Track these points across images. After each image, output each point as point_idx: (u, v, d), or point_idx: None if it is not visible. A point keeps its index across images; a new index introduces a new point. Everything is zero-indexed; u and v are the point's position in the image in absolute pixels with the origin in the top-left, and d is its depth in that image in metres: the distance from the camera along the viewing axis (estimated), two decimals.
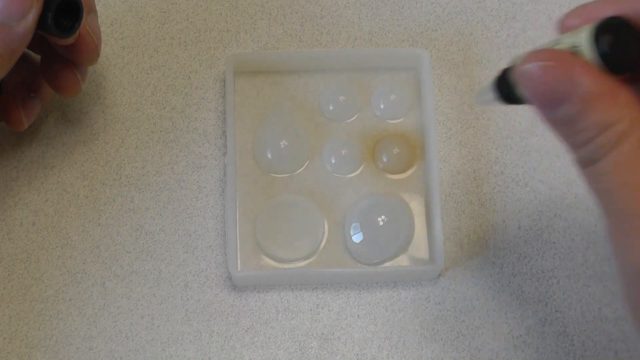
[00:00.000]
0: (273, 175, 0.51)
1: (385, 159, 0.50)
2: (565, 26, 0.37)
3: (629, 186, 0.33)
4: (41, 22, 0.41)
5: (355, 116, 0.52)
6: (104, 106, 0.52)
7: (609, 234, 0.35)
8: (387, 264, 0.48)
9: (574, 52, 0.35)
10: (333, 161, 0.50)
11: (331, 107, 0.52)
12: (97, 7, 0.48)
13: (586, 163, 0.35)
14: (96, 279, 0.48)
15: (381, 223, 0.48)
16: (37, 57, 0.49)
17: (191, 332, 0.47)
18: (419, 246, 0.49)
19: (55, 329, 0.47)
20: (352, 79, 0.53)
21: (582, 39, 0.35)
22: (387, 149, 0.50)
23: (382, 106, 0.52)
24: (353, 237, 0.48)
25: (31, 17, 0.41)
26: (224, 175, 0.50)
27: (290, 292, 0.48)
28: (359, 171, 0.51)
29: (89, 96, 0.52)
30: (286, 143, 0.50)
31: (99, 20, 0.48)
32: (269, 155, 0.50)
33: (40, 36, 0.44)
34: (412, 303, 0.48)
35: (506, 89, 0.39)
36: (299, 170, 0.51)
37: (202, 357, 0.46)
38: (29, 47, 0.43)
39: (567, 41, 0.36)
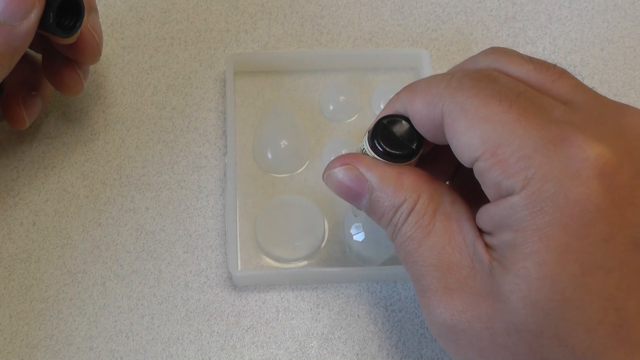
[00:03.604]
0: (273, 175, 0.51)
1: None
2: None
3: (411, 255, 0.39)
4: (43, 22, 0.41)
5: (355, 116, 0.52)
6: (105, 106, 0.52)
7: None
8: (388, 264, 0.48)
9: (364, 153, 0.41)
10: None
11: (331, 107, 0.52)
12: (98, 7, 0.48)
13: (391, 239, 0.41)
14: (96, 279, 0.48)
15: None
16: (37, 55, 0.49)
17: (191, 331, 0.47)
18: None
19: (55, 329, 0.47)
20: (352, 79, 0.53)
21: (364, 143, 0.41)
22: None
23: (382, 106, 0.51)
24: (354, 237, 0.48)
25: (33, 17, 0.41)
26: (224, 175, 0.50)
27: (291, 292, 0.48)
28: None
29: (89, 96, 0.52)
30: (286, 143, 0.50)
31: (100, 19, 0.48)
32: (269, 155, 0.50)
33: (42, 35, 0.44)
34: (412, 303, 0.48)
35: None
36: (299, 170, 0.51)
37: (202, 357, 0.46)
38: (30, 46, 0.43)
39: (360, 145, 0.41)
